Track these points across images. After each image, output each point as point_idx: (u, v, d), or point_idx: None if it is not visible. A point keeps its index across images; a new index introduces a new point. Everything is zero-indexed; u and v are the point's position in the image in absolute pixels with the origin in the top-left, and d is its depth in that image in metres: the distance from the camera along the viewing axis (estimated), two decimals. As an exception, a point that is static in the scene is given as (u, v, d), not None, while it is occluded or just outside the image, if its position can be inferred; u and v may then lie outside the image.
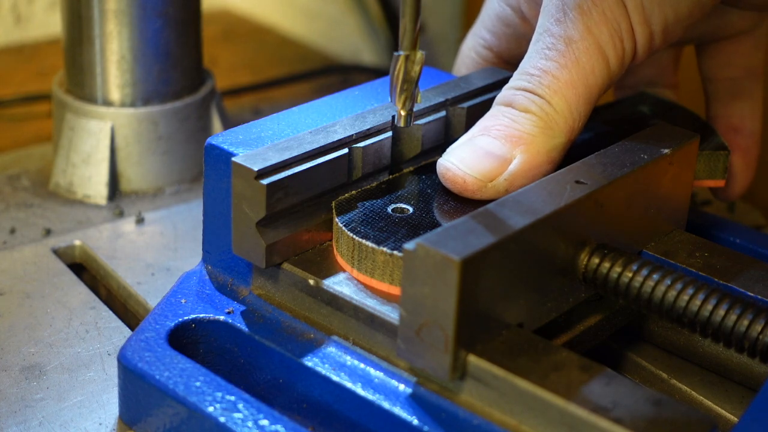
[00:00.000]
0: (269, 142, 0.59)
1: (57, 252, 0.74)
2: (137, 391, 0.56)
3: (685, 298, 0.54)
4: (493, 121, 0.60)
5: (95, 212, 0.79)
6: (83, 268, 0.75)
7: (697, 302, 0.54)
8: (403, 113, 0.59)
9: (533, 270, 0.54)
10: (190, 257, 0.73)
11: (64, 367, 0.62)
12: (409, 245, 0.50)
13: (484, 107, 0.63)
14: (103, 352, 0.64)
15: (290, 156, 0.57)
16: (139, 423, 0.57)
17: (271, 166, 0.56)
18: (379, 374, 0.55)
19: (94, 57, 0.80)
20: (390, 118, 0.62)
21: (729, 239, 0.67)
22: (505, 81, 0.63)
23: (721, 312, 0.53)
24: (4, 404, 0.59)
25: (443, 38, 1.14)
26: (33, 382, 0.61)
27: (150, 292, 0.70)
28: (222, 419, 0.53)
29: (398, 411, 0.53)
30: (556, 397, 0.49)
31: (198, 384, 0.55)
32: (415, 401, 0.53)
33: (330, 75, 1.07)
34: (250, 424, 0.53)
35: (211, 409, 0.53)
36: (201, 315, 0.59)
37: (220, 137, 0.60)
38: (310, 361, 0.56)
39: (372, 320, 0.55)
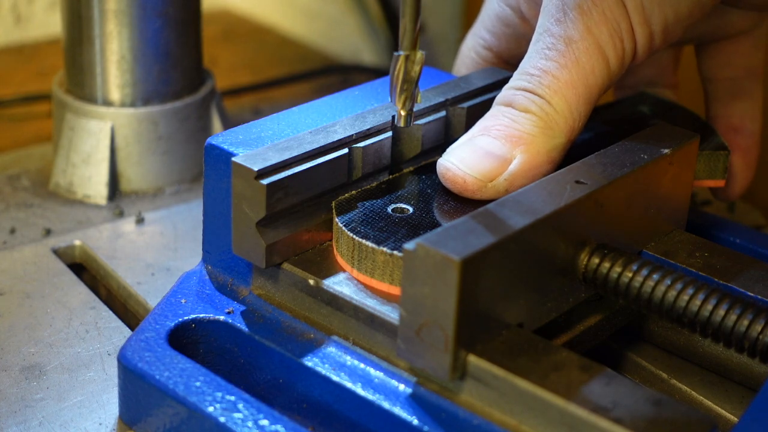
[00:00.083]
0: (269, 142, 0.59)
1: (57, 252, 0.74)
2: (137, 391, 0.56)
3: (685, 298, 0.54)
4: (493, 121, 0.60)
5: (95, 212, 0.79)
6: (83, 268, 0.75)
7: (697, 302, 0.54)
8: (403, 113, 0.59)
9: (533, 270, 0.54)
10: (190, 257, 0.73)
11: (64, 367, 0.62)
12: (409, 245, 0.50)
13: (484, 107, 0.63)
14: (103, 352, 0.64)
15: (290, 156, 0.57)
16: (139, 423, 0.57)
17: (271, 166, 0.56)
18: (379, 374, 0.55)
19: (94, 57, 0.80)
20: (390, 118, 0.62)
21: (729, 239, 0.67)
22: (505, 81, 0.63)
23: (721, 312, 0.53)
24: (4, 404, 0.59)
25: (443, 38, 1.14)
26: (33, 382, 0.61)
27: (150, 292, 0.70)
28: (222, 419, 0.53)
29: (398, 411, 0.53)
30: (556, 397, 0.49)
31: (198, 384, 0.55)
32: (415, 401, 0.53)
33: (330, 75, 1.07)
34: (250, 424, 0.53)
35: (211, 409, 0.53)
36: (201, 315, 0.59)
37: (220, 137, 0.60)
38: (310, 361, 0.56)
39: (372, 320, 0.55)
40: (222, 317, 0.59)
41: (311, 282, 0.57)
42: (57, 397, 0.60)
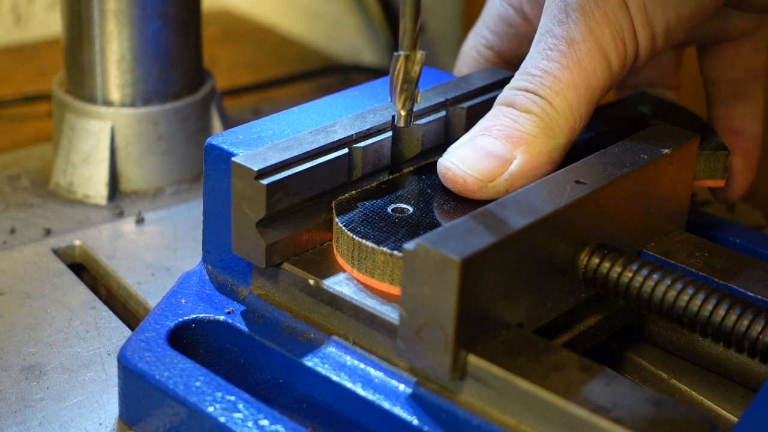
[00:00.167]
0: (269, 142, 0.59)
1: (57, 252, 0.74)
2: (137, 391, 0.56)
3: (685, 298, 0.54)
4: (494, 121, 0.60)
5: (95, 212, 0.79)
6: (83, 268, 0.75)
7: (697, 302, 0.54)
8: (403, 113, 0.59)
9: (533, 270, 0.54)
10: (190, 257, 0.73)
11: (64, 367, 0.62)
12: (409, 245, 0.50)
13: (484, 107, 0.63)
14: (103, 352, 0.64)
15: (290, 156, 0.57)
16: (139, 423, 0.57)
17: (271, 166, 0.56)
18: (379, 374, 0.55)
19: (94, 57, 0.80)
20: (390, 118, 0.62)
21: (729, 239, 0.67)
22: (506, 81, 0.63)
23: (721, 312, 0.53)
24: (4, 404, 0.59)
25: (443, 38, 1.14)
26: (33, 382, 0.61)
27: (150, 292, 0.70)
28: (222, 419, 0.53)
29: (398, 411, 0.53)
30: (556, 397, 0.49)
31: (198, 384, 0.55)
32: (415, 401, 0.53)
33: (330, 75, 1.07)
34: (250, 424, 0.53)
35: (211, 409, 0.53)
36: (201, 315, 0.59)
37: (220, 137, 0.60)
38: (310, 361, 0.56)
39: (372, 320, 0.55)
40: (222, 317, 0.59)
41: (311, 282, 0.57)
42: (57, 397, 0.60)
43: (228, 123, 0.86)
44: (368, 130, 0.61)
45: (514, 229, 0.52)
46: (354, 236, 0.57)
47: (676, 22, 0.61)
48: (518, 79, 0.61)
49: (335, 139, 0.59)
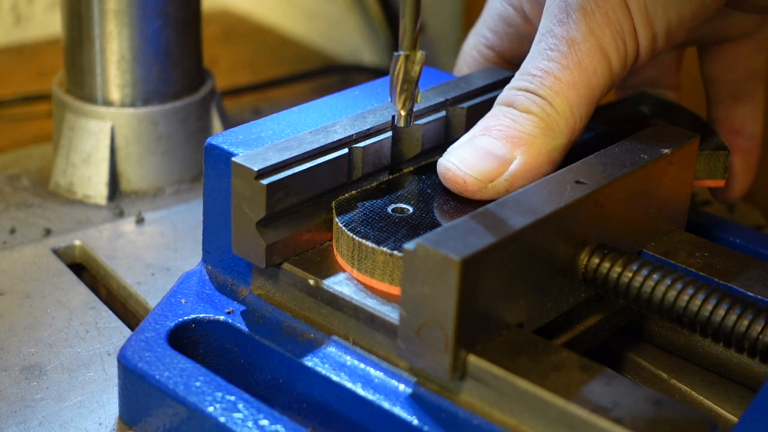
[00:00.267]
0: (269, 142, 0.59)
1: (57, 252, 0.74)
2: (137, 391, 0.56)
3: (685, 298, 0.54)
4: (494, 121, 0.60)
5: (95, 212, 0.79)
6: (83, 268, 0.75)
7: (697, 302, 0.54)
8: (403, 113, 0.59)
9: (533, 270, 0.54)
10: (190, 257, 0.73)
11: (64, 367, 0.62)
12: (409, 245, 0.50)
13: (484, 107, 0.63)
14: (103, 352, 0.64)
15: (290, 156, 0.57)
16: (139, 423, 0.57)
17: (271, 166, 0.56)
18: (379, 374, 0.55)
19: (94, 57, 0.80)
20: (390, 118, 0.62)
21: (729, 239, 0.67)
22: (505, 81, 0.63)
23: (721, 312, 0.53)
24: (4, 404, 0.59)
25: (443, 38, 1.14)
26: (33, 382, 0.61)
27: (150, 292, 0.70)
28: (222, 419, 0.53)
29: (398, 411, 0.53)
30: (556, 397, 0.49)
31: (198, 384, 0.55)
32: (415, 401, 0.53)
33: (330, 75, 1.07)
34: (250, 424, 0.53)
35: (211, 409, 0.53)
36: (201, 315, 0.59)
37: (220, 137, 0.60)
38: (310, 361, 0.56)
39: (372, 320, 0.55)
40: (222, 317, 0.59)
41: (311, 282, 0.57)
42: (57, 397, 0.60)
43: (228, 123, 0.86)
44: (368, 130, 0.61)
45: (514, 229, 0.52)
46: (354, 236, 0.57)
47: (677, 22, 0.61)
48: (518, 79, 0.61)
49: (335, 139, 0.59)
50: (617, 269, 0.56)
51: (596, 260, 0.56)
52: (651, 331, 0.62)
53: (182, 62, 0.82)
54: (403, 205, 0.60)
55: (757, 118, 0.74)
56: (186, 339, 0.59)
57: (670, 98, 0.76)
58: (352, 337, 0.56)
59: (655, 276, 0.55)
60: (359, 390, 0.54)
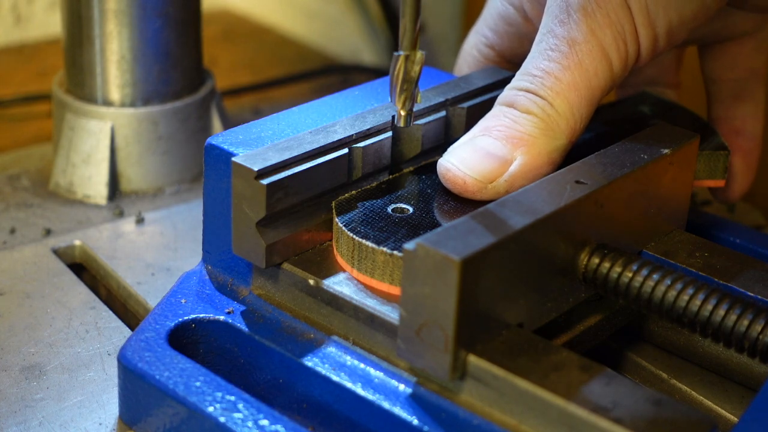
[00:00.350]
0: (269, 142, 0.59)
1: (57, 252, 0.74)
2: (137, 391, 0.56)
3: (685, 298, 0.54)
4: (494, 122, 0.60)
5: (95, 212, 0.79)
6: (83, 268, 0.75)
7: (697, 302, 0.54)
8: (403, 113, 0.59)
9: (533, 270, 0.54)
10: (190, 257, 0.73)
11: (64, 367, 0.62)
12: (409, 245, 0.50)
13: (484, 107, 0.63)
14: (103, 352, 0.64)
15: (290, 156, 0.57)
16: (139, 423, 0.57)
17: (271, 166, 0.56)
18: (379, 374, 0.55)
19: (94, 57, 0.80)
20: (390, 118, 0.62)
21: (729, 239, 0.67)
22: (506, 81, 0.63)
23: (721, 312, 0.53)
24: (4, 404, 0.59)
25: (443, 38, 1.14)
26: (33, 382, 0.61)
27: (150, 292, 0.70)
28: (222, 419, 0.53)
29: (398, 411, 0.53)
30: (556, 397, 0.49)
31: (198, 384, 0.55)
32: (415, 401, 0.53)
33: (330, 75, 1.07)
34: (250, 424, 0.53)
35: (211, 409, 0.53)
36: (201, 315, 0.59)
37: (220, 137, 0.60)
38: (310, 361, 0.56)
39: (372, 320, 0.55)
40: (222, 317, 0.59)
41: (311, 282, 0.57)
42: (57, 397, 0.60)
43: (228, 123, 0.86)
44: (368, 130, 0.61)
45: (514, 229, 0.52)
46: (354, 236, 0.57)
47: (678, 22, 0.61)
48: (519, 80, 0.61)
49: (335, 139, 0.59)
50: (617, 269, 0.56)
51: (596, 260, 0.56)
52: (651, 331, 0.62)
53: (182, 62, 0.82)
54: (403, 205, 0.60)
55: (758, 117, 0.74)
56: (186, 339, 0.59)
57: (670, 97, 0.76)
58: (352, 337, 0.56)
59: (655, 276, 0.55)
60: (359, 390, 0.54)
